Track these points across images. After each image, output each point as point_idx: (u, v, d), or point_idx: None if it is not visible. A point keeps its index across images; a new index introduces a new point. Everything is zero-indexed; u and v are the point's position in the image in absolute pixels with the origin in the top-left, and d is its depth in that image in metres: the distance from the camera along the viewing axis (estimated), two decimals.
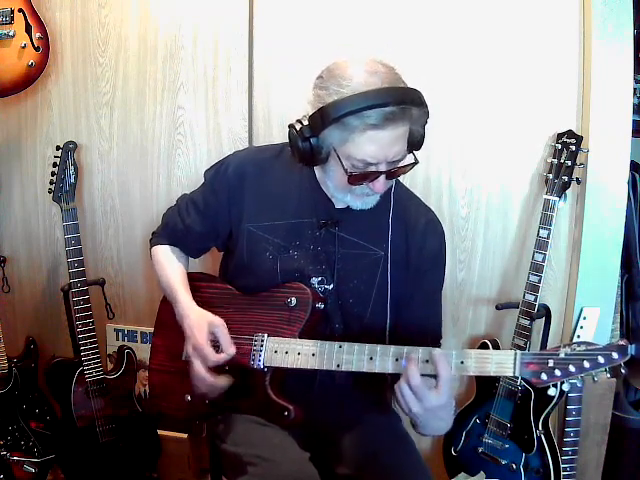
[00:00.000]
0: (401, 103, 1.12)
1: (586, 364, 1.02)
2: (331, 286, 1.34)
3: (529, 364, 1.06)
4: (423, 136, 1.24)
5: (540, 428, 1.73)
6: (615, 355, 1.01)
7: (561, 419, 1.82)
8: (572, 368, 1.03)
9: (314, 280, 1.34)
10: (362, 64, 1.18)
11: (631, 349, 1.01)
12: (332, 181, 1.27)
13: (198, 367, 1.27)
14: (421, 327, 1.37)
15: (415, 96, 1.17)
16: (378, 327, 1.34)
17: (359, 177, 1.20)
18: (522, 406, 1.75)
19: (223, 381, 1.29)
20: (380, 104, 1.10)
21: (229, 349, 1.26)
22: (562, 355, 1.04)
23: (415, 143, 1.23)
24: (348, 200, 1.29)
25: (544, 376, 1.05)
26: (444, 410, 1.13)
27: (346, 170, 1.19)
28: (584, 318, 1.79)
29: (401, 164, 1.23)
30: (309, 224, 1.34)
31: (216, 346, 1.28)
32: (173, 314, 1.43)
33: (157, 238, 1.52)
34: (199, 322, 1.30)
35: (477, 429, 1.84)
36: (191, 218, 1.45)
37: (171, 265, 1.46)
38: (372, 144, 1.15)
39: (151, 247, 1.52)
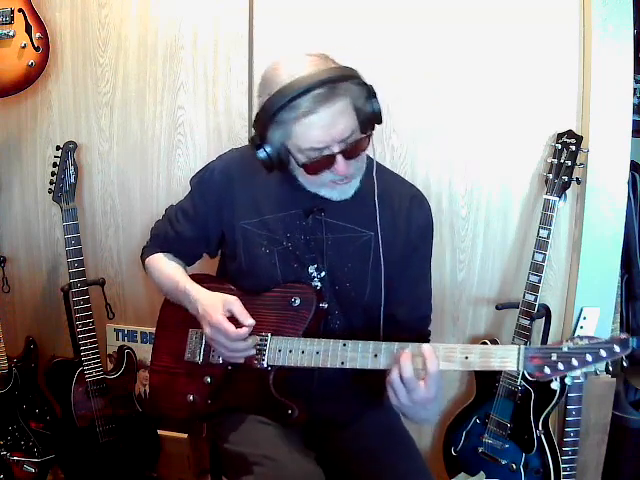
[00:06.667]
0: (325, 83, 1.13)
1: (588, 357, 1.02)
2: (322, 273, 1.35)
3: (533, 358, 1.06)
4: (375, 111, 1.22)
5: (540, 428, 1.74)
6: (617, 348, 1.01)
7: (561, 419, 1.82)
8: (575, 362, 1.03)
9: (311, 268, 1.35)
10: (289, 61, 1.20)
11: (632, 342, 1.02)
12: (301, 177, 1.28)
13: (224, 343, 1.26)
14: (412, 304, 1.39)
15: (342, 72, 1.17)
16: (376, 306, 1.34)
17: (315, 166, 1.21)
18: (522, 406, 1.75)
19: (252, 341, 1.28)
20: (303, 91, 1.13)
21: (247, 320, 1.25)
22: (565, 349, 1.04)
23: (368, 118, 1.22)
24: (323, 193, 1.29)
25: (547, 370, 1.05)
26: (432, 403, 1.14)
27: (298, 162, 1.21)
28: (584, 318, 1.79)
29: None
30: (296, 215, 1.35)
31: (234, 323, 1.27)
32: (175, 316, 1.43)
33: (148, 250, 1.52)
34: (212, 302, 1.29)
35: (477, 429, 1.84)
36: (181, 225, 1.45)
37: (169, 265, 1.46)
38: (312, 130, 1.16)
39: (144, 261, 1.53)
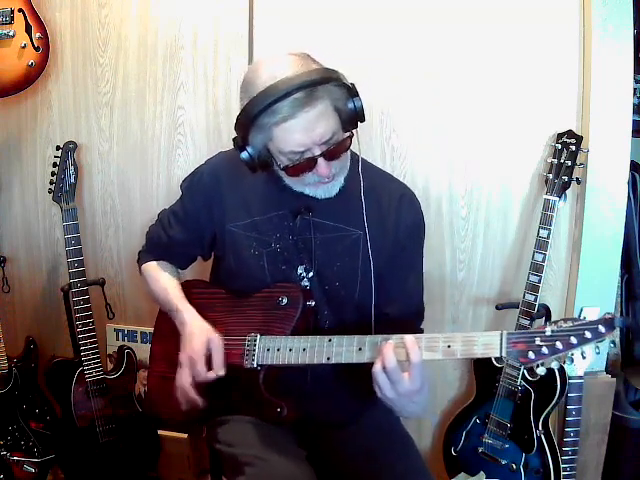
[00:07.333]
0: (304, 87, 1.12)
1: (573, 340, 0.99)
2: (311, 274, 1.35)
3: (516, 344, 1.03)
4: (357, 109, 1.20)
5: (540, 428, 1.73)
6: (602, 328, 0.98)
7: (561, 419, 1.82)
8: (559, 345, 1.00)
9: (300, 269, 1.36)
10: (268, 62, 1.19)
11: (618, 322, 0.98)
12: (284, 177, 1.28)
13: (185, 377, 1.29)
14: (403, 302, 1.38)
15: (321, 75, 1.15)
16: (367, 305, 1.34)
17: (296, 168, 1.21)
18: (522, 406, 1.75)
19: (200, 402, 1.29)
20: (281, 95, 1.11)
21: (220, 370, 1.27)
22: (548, 332, 1.02)
23: (350, 117, 1.21)
24: (307, 192, 1.29)
25: (531, 355, 1.02)
26: (418, 395, 1.13)
27: (279, 165, 1.22)
28: (584, 318, 1.79)
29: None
30: (284, 215, 1.35)
31: (208, 361, 1.29)
32: (171, 323, 1.44)
33: (144, 256, 1.53)
34: (199, 334, 1.31)
35: (477, 429, 1.84)
36: (173, 229, 1.46)
37: (163, 277, 1.47)
38: (292, 134, 1.16)
39: (140, 266, 1.54)
